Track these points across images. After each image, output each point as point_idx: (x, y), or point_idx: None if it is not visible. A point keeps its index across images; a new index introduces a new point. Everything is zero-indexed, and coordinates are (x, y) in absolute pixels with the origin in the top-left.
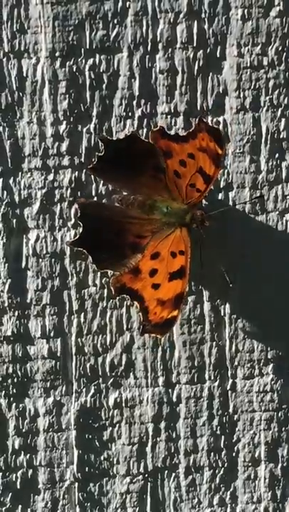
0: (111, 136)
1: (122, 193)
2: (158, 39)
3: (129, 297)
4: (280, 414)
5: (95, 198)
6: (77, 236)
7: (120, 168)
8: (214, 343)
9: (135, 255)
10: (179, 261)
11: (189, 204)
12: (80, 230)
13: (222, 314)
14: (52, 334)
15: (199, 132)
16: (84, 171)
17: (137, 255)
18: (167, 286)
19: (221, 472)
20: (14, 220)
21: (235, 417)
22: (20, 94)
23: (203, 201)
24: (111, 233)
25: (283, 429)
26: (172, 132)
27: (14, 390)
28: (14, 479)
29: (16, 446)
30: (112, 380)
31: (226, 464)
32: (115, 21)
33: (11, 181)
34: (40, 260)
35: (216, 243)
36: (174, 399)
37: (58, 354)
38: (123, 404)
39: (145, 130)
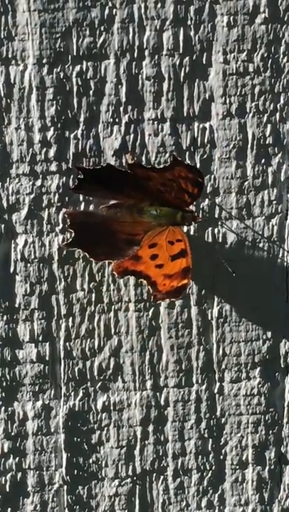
0: (91, 161)
1: (109, 202)
2: (144, 46)
3: (134, 277)
4: (267, 418)
5: (83, 204)
6: (70, 239)
7: (102, 187)
8: (201, 346)
9: (131, 247)
10: (178, 246)
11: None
12: (73, 235)
13: (209, 318)
14: (40, 338)
15: (176, 166)
16: (72, 176)
17: (134, 247)
18: (171, 264)
19: (209, 475)
20: (2, 226)
21: (223, 420)
22: (8, 100)
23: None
24: (104, 234)
25: (270, 432)
26: (148, 166)
27: (3, 394)
28: (3, 482)
29: (5, 450)
30: (100, 383)
31: (213, 467)
32: (102, 28)
33: None
34: (29, 265)
35: (203, 247)
36: (162, 402)
37: (47, 358)
38: (111, 408)
39: (132, 136)
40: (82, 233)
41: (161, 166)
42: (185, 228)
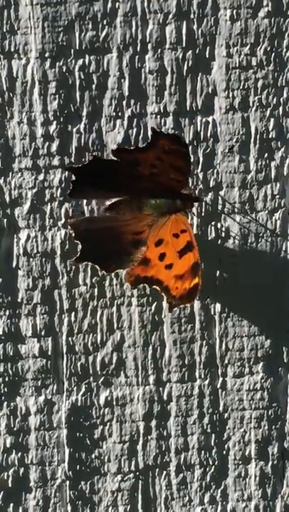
0: (79, 160)
1: (107, 202)
2: (147, 40)
3: (146, 285)
4: (270, 413)
5: (85, 201)
6: (79, 253)
7: (97, 186)
8: (204, 341)
9: (139, 249)
10: (184, 238)
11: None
12: (80, 247)
13: (212, 313)
14: (43, 333)
15: (159, 141)
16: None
17: (141, 248)
18: (180, 263)
19: (212, 470)
20: (5, 220)
21: (226, 415)
22: (11, 94)
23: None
24: (110, 239)
25: (273, 427)
26: (131, 147)
27: (5, 389)
28: (6, 477)
29: (8, 445)
30: (102, 378)
31: (216, 462)
32: (105, 22)
33: (1, 181)
34: (31, 260)
35: (206, 243)
36: (165, 397)
37: (49, 353)
38: (114, 403)
39: (135, 130)
40: (89, 242)
41: (144, 144)
42: (189, 219)
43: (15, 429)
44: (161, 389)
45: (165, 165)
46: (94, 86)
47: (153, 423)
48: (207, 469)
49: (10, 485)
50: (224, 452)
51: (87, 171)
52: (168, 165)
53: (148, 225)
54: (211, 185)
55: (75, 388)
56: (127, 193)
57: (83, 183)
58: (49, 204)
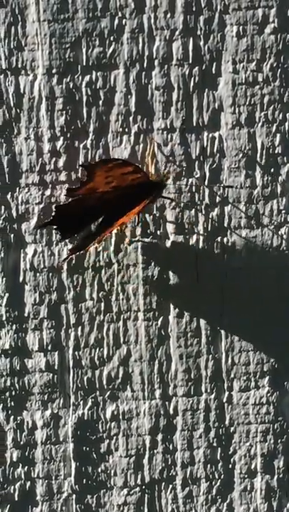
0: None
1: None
2: (154, 56)
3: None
4: (275, 427)
5: None
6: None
7: (78, 222)
8: (210, 356)
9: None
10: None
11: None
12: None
13: (218, 327)
14: (49, 347)
15: (94, 172)
16: None
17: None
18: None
19: (218, 484)
20: (12, 235)
21: (232, 429)
22: (18, 110)
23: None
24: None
25: (279, 440)
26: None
27: (12, 403)
28: (12, 491)
29: (14, 459)
30: (109, 392)
31: (222, 476)
32: (112, 38)
33: (8, 196)
34: (38, 274)
35: (212, 257)
36: (171, 411)
37: (56, 367)
38: (120, 417)
39: (142, 146)
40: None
41: (84, 180)
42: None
43: (21, 443)
44: (167, 403)
45: (117, 176)
46: (101, 102)
47: (159, 437)
48: (213, 483)
49: (16, 499)
50: (230, 466)
51: (62, 220)
52: (119, 174)
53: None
54: (217, 201)
55: (81, 402)
56: (108, 208)
57: (65, 227)
58: None
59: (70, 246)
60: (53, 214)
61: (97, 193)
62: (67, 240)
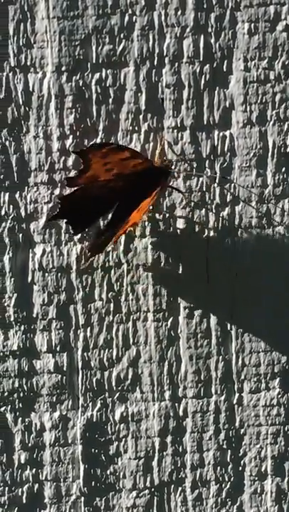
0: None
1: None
2: (164, 53)
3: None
4: (286, 428)
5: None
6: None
7: (88, 213)
8: (221, 357)
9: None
10: None
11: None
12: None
13: (228, 328)
14: (58, 348)
15: (89, 157)
16: None
17: None
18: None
19: (228, 486)
20: (20, 235)
21: (242, 431)
22: (27, 108)
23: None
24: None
25: None
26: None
27: (20, 405)
28: (20, 494)
29: (22, 461)
30: (118, 394)
31: (232, 478)
32: (122, 36)
33: (17, 196)
34: (47, 274)
35: (222, 257)
36: (181, 413)
37: (64, 368)
38: (129, 419)
39: (152, 144)
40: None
41: (81, 168)
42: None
43: (30, 445)
44: (176, 405)
45: (116, 162)
46: (110, 100)
47: (168, 439)
48: (223, 485)
49: (24, 501)
50: (240, 468)
51: (70, 212)
52: (118, 160)
53: None
54: (228, 200)
55: (90, 404)
56: (117, 199)
57: (74, 220)
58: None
59: (78, 246)
60: (59, 206)
61: (100, 181)
62: (76, 240)
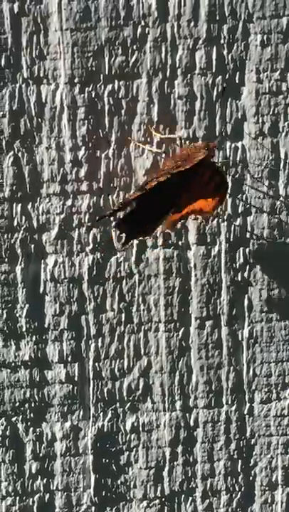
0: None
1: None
2: (177, 65)
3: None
4: None
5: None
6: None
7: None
8: (232, 367)
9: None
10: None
11: None
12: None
13: (239, 339)
14: (69, 359)
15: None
16: (102, 196)
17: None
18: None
19: (238, 496)
20: (32, 246)
21: (253, 441)
22: (39, 120)
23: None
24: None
25: None
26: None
27: (31, 415)
28: (31, 503)
29: (33, 471)
30: (129, 404)
31: (243, 488)
32: (134, 47)
33: (29, 206)
34: (58, 285)
35: (234, 268)
36: (192, 423)
37: (76, 379)
38: (140, 429)
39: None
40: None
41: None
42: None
43: (41, 455)
44: (187, 415)
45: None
46: (123, 111)
47: (179, 449)
48: (233, 495)
49: (35, 511)
50: (251, 478)
51: (128, 225)
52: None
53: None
54: (240, 211)
55: (101, 414)
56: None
57: (132, 230)
58: (77, 230)
59: (90, 257)
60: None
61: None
62: (88, 250)
